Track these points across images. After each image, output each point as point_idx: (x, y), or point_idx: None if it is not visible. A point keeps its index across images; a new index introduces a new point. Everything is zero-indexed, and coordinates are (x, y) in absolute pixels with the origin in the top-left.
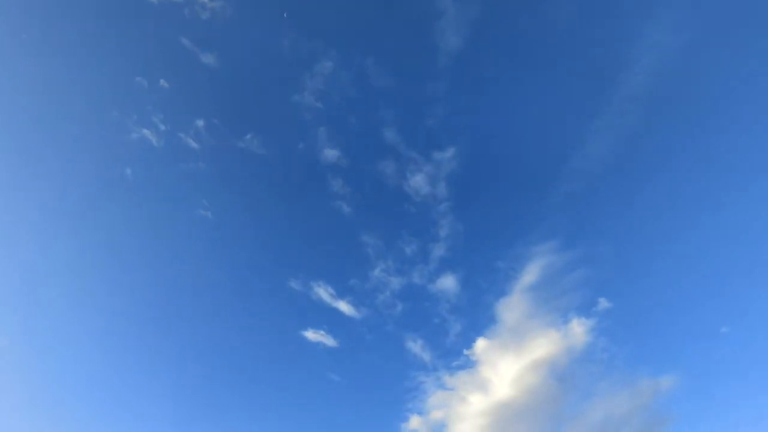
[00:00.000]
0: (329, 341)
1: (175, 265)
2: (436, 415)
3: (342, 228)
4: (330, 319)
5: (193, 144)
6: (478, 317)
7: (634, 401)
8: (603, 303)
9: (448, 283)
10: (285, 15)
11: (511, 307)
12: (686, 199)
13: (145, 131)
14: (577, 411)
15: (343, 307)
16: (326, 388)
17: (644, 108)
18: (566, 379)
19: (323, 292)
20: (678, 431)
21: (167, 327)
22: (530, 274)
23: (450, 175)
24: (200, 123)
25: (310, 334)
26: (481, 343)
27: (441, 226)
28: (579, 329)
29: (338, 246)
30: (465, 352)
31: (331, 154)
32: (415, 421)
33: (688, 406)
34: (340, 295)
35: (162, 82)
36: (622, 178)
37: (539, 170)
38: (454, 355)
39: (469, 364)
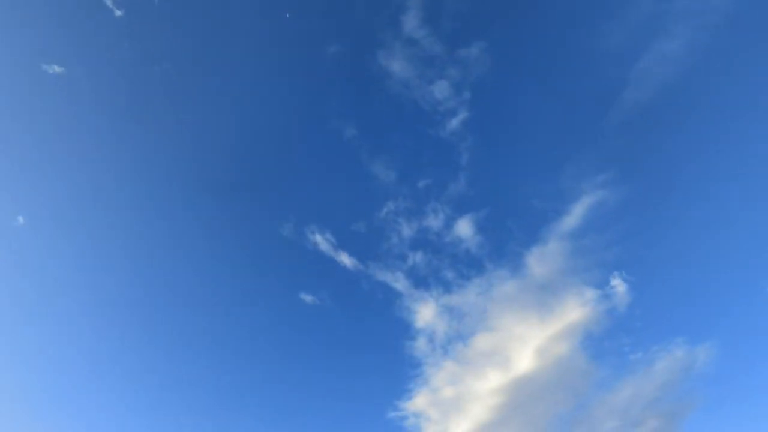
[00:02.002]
0: (326, 301)
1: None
2: (447, 393)
3: (343, 155)
4: (328, 274)
5: None
6: (501, 271)
7: (667, 375)
8: (648, 258)
9: (469, 227)
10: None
11: (544, 259)
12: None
13: None
14: (606, 388)
15: (345, 259)
16: (323, 356)
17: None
18: (598, 351)
19: (321, 241)
20: (713, 410)
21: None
22: (573, 216)
23: (478, 83)
24: None
25: (307, 297)
26: (502, 306)
27: (463, 151)
28: (621, 288)
29: (338, 180)
30: (483, 316)
31: (330, 50)
32: (421, 399)
33: (725, 380)
34: (341, 243)
35: None
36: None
37: (600, 76)
38: (470, 320)
39: (488, 330)
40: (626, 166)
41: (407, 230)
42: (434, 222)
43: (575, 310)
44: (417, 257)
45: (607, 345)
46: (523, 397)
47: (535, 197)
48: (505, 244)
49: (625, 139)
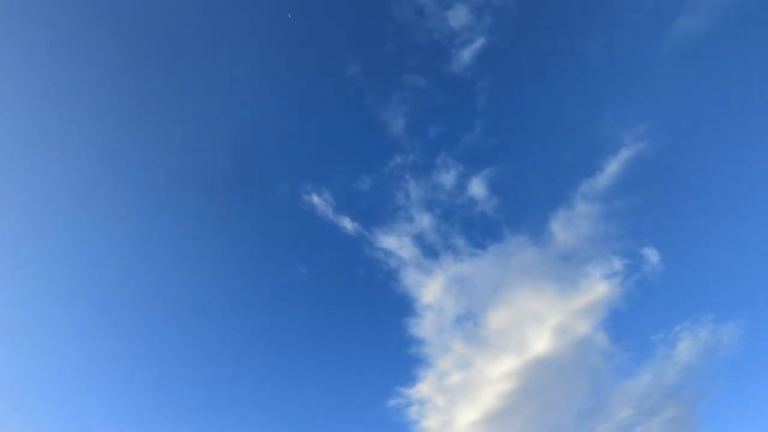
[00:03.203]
0: (322, 273)
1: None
2: (454, 378)
3: (344, 98)
4: (326, 241)
5: None
6: (520, 237)
7: (689, 359)
8: (684, 225)
9: (484, 185)
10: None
11: (570, 225)
12: None
13: None
14: (624, 374)
15: (345, 224)
16: (316, 335)
17: None
18: (619, 331)
19: (319, 203)
20: (731, 396)
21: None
22: (606, 173)
23: (502, 7)
24: None
25: (302, 268)
26: (519, 278)
27: (480, 93)
28: (652, 259)
29: (338, 128)
30: (497, 290)
31: None
32: (425, 385)
33: (747, 364)
34: (341, 206)
35: None
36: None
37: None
38: (482, 295)
39: (502, 307)
40: (673, 114)
41: (415, 189)
42: (446, 179)
43: (600, 285)
44: (425, 221)
45: (629, 325)
46: (536, 383)
47: (565, 150)
48: (526, 206)
49: (676, 80)
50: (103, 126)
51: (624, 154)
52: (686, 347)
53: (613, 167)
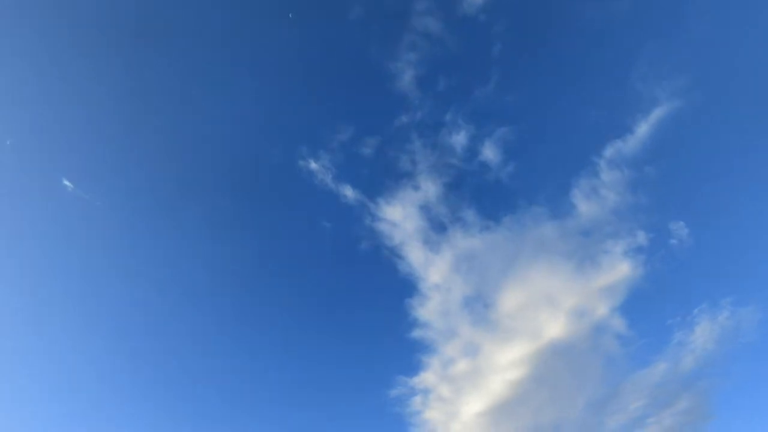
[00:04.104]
0: (318, 248)
1: None
2: (461, 366)
3: (344, 46)
4: (324, 212)
5: None
6: (538, 208)
7: (705, 345)
8: (718, 197)
9: (498, 149)
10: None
11: (595, 194)
12: None
13: None
14: (639, 361)
15: (347, 192)
16: (311, 317)
17: None
18: (638, 315)
19: (317, 169)
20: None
21: None
22: (637, 136)
23: None
24: None
25: (297, 243)
26: (535, 254)
27: (495, 39)
28: (681, 233)
29: (338, 82)
30: (510, 267)
31: None
32: (429, 374)
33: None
34: (341, 172)
35: None
36: None
37: None
38: (494, 273)
39: (514, 287)
40: (717, 66)
41: (422, 152)
42: (456, 140)
43: (621, 263)
44: (431, 190)
45: (647, 307)
46: (547, 371)
47: (590, 108)
48: (545, 173)
49: (722, 25)
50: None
51: (657, 114)
52: (703, 332)
53: (643, 129)
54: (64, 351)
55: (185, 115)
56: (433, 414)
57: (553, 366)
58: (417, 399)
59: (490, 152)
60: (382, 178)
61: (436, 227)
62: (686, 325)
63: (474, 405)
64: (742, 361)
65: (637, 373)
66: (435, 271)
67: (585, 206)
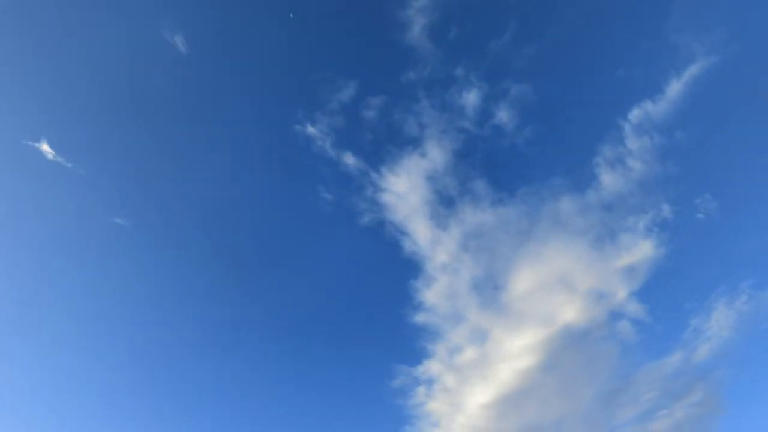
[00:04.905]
0: (312, 223)
1: None
2: (468, 354)
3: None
4: (322, 182)
5: None
6: (557, 180)
7: (721, 332)
8: (748, 169)
9: (514, 112)
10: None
11: (621, 164)
12: None
13: None
14: (654, 350)
15: (348, 160)
16: (306, 304)
17: None
18: (657, 299)
19: (315, 135)
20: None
21: None
22: (668, 97)
23: None
24: None
25: (295, 215)
26: (552, 231)
27: None
28: (708, 207)
29: (338, 31)
30: (524, 245)
31: None
32: (433, 363)
33: None
34: (341, 137)
35: None
36: None
37: None
38: (505, 252)
39: (527, 267)
40: (757, 18)
41: (430, 114)
42: (467, 100)
43: (643, 241)
44: (439, 158)
45: (666, 289)
46: (559, 360)
47: (618, 64)
48: (566, 138)
49: None
50: None
51: (692, 71)
52: (719, 318)
53: (675, 88)
54: (60, 350)
55: (165, 65)
56: (436, 406)
57: (565, 355)
58: (420, 390)
59: (504, 115)
60: (386, 143)
61: (444, 200)
62: (703, 310)
63: (480, 396)
64: (759, 349)
65: (652, 363)
66: (442, 250)
67: (608, 177)
